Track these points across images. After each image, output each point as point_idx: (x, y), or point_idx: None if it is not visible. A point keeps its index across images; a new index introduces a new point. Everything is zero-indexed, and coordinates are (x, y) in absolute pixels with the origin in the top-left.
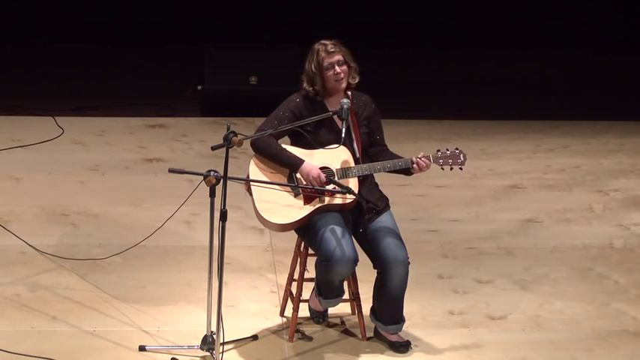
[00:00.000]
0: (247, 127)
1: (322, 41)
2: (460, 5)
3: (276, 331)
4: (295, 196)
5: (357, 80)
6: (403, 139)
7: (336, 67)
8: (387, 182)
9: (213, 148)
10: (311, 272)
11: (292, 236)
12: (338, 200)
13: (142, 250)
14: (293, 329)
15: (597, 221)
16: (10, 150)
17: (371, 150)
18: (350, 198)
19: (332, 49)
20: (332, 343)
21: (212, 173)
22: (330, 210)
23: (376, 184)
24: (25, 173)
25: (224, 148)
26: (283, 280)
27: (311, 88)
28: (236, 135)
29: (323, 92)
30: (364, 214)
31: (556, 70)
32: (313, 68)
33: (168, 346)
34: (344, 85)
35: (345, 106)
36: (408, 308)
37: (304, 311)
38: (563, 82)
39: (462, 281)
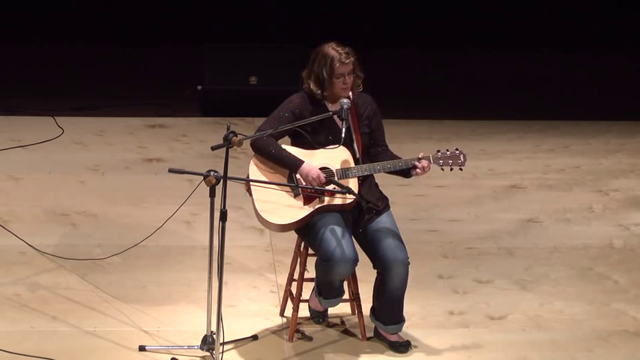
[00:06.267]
0: (247, 127)
1: (335, 47)
2: (460, 5)
3: (276, 331)
4: (295, 196)
5: (361, 89)
6: (403, 139)
7: (346, 78)
8: (387, 182)
9: (213, 148)
10: (311, 272)
11: (292, 236)
12: (338, 200)
13: (142, 250)
14: (293, 329)
15: (597, 221)
16: (10, 150)
17: (372, 150)
18: (350, 198)
19: (346, 60)
20: (332, 343)
21: (212, 173)
22: (330, 210)
23: (376, 185)
24: (25, 173)
25: (224, 148)
26: (283, 280)
27: (319, 91)
28: (236, 135)
29: (328, 96)
30: (364, 215)
31: (556, 70)
32: (325, 74)
33: (168, 346)
34: (348, 93)
35: (345, 107)
36: (408, 308)
37: (304, 311)
38: (563, 82)
39: (462, 281)
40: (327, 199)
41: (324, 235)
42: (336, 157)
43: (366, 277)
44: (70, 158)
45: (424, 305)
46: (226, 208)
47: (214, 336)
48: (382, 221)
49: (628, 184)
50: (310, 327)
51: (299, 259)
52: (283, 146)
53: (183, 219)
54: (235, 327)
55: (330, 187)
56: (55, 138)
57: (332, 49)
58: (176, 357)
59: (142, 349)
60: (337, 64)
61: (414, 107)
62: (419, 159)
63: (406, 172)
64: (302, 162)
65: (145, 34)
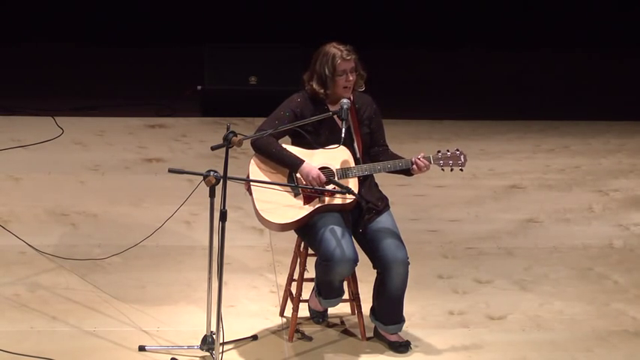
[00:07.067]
0: (247, 127)
1: (336, 45)
2: (460, 5)
3: (276, 331)
4: (295, 196)
5: (363, 88)
6: (403, 139)
7: (349, 75)
8: (387, 182)
9: (213, 148)
10: (311, 272)
11: (292, 236)
12: (338, 200)
13: (142, 250)
14: (293, 329)
15: (597, 221)
16: (10, 150)
17: (372, 150)
18: (350, 198)
19: (348, 57)
20: (332, 343)
21: (212, 173)
22: (329, 210)
23: (376, 185)
24: (25, 173)
25: (224, 148)
26: (283, 280)
27: (322, 90)
28: (236, 135)
29: (330, 95)
30: (364, 214)
31: (556, 70)
32: (327, 72)
33: (168, 346)
34: (350, 92)
35: (345, 106)
36: (408, 308)
37: (304, 311)
38: (563, 82)
39: (462, 281)
40: (327, 198)
41: (324, 235)
42: (336, 156)
43: (366, 277)
44: (70, 158)
45: (424, 305)
46: (226, 208)
47: (214, 336)
48: (382, 221)
49: (628, 184)
50: (310, 327)
51: (299, 259)
52: (284, 146)
53: (183, 219)
54: (235, 327)
55: (330, 187)
56: (55, 138)
57: (333, 47)
58: (176, 357)
59: (141, 349)
60: (339, 61)
61: (414, 107)
62: (418, 158)
63: (407, 170)
64: (302, 161)
65: (145, 34)
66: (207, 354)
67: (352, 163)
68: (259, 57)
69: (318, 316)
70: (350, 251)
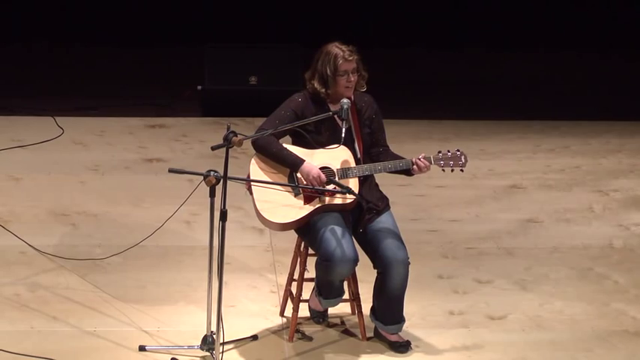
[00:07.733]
0: (247, 127)
1: (338, 45)
2: (460, 5)
3: (276, 331)
4: (295, 195)
5: (364, 89)
6: (403, 139)
7: (350, 75)
8: (387, 182)
9: (213, 148)
10: (311, 272)
11: (292, 236)
12: (338, 200)
13: (142, 250)
14: (293, 329)
15: (597, 221)
16: (10, 150)
17: (373, 150)
18: (350, 198)
19: (350, 57)
20: (332, 343)
21: (212, 173)
22: (330, 210)
23: (376, 185)
24: (25, 173)
25: (224, 148)
26: (283, 280)
27: (323, 90)
28: (236, 135)
29: (331, 94)
30: (364, 214)
31: (556, 70)
32: (329, 71)
33: (168, 346)
34: (351, 92)
35: (345, 106)
36: (408, 308)
37: (304, 311)
38: (563, 82)
39: (462, 281)
40: (327, 198)
41: (324, 235)
42: (336, 156)
43: (366, 277)
44: (70, 158)
45: (424, 305)
46: (226, 208)
47: (214, 336)
48: (382, 221)
49: (628, 184)
50: (310, 327)
51: (299, 259)
52: (285, 145)
53: (183, 219)
54: (235, 327)
55: (331, 186)
56: (55, 138)
57: (335, 47)
58: (176, 357)
59: (142, 349)
60: (340, 61)
61: (414, 107)
62: (418, 159)
63: (408, 171)
64: (303, 161)
65: (146, 34)
66: (208, 354)
67: (353, 163)
68: (259, 57)
69: (319, 316)
70: (350, 251)
